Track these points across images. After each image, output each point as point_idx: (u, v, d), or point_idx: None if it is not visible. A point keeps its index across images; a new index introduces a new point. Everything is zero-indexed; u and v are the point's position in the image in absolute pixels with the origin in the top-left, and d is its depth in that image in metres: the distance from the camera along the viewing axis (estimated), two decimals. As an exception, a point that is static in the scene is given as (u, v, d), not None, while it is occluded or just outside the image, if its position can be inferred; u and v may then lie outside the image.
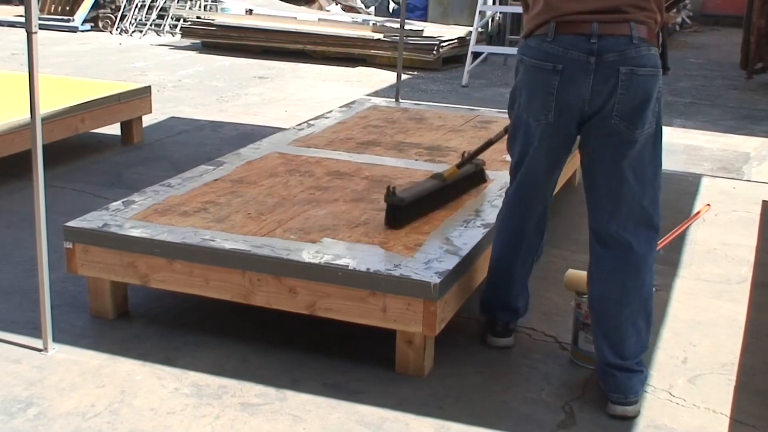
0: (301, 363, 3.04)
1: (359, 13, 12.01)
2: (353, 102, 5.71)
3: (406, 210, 3.34)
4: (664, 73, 2.72)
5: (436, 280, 2.85)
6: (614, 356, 2.78)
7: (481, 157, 3.77)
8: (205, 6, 11.56)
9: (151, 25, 11.32)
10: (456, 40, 9.54)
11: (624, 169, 2.70)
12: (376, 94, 7.66)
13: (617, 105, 2.64)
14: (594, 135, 2.73)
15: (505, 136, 3.08)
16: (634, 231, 2.74)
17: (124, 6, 11.41)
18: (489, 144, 3.66)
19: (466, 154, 3.73)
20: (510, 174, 3.02)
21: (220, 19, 10.26)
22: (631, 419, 2.77)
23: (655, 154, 2.75)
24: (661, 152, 2.77)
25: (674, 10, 10.38)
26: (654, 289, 2.80)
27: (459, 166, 3.66)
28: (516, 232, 3.05)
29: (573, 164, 4.38)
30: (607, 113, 2.66)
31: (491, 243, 3.20)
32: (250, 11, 10.62)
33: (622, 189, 2.72)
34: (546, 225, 3.11)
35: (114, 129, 5.86)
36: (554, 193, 3.08)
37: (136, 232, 3.19)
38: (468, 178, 3.73)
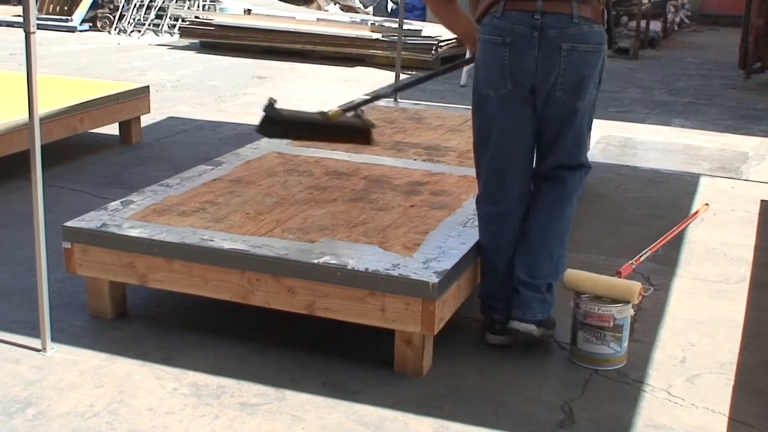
0: (299, 363, 3.03)
1: (358, 12, 12.01)
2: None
3: (278, 125, 3.40)
4: (610, 47, 2.95)
5: (435, 279, 2.85)
6: (525, 274, 3.06)
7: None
8: (204, 6, 11.55)
9: (149, 24, 11.32)
10: (454, 40, 9.53)
11: (565, 133, 3.03)
12: (375, 93, 7.66)
13: (561, 79, 2.91)
14: (541, 103, 2.98)
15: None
16: (571, 172, 3.11)
17: (123, 6, 11.41)
18: (377, 97, 3.81)
19: (355, 102, 3.74)
20: (473, 152, 3.17)
21: (218, 19, 10.25)
22: (524, 338, 3.05)
23: (592, 116, 3.11)
24: (594, 111, 3.11)
25: None
26: (653, 288, 2.82)
27: (345, 110, 3.62)
28: (497, 217, 3.14)
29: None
30: (551, 86, 2.93)
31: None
32: (248, 11, 10.61)
33: (562, 147, 3.05)
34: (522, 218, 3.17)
35: (112, 129, 5.86)
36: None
37: (134, 232, 3.19)
38: (353, 130, 3.65)
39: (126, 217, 3.33)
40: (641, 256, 3.48)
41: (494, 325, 3.17)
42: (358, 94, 7.30)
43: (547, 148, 3.07)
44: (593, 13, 2.91)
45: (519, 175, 3.11)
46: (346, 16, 11.18)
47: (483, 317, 3.22)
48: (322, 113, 3.53)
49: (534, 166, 3.14)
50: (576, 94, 2.94)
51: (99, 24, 11.48)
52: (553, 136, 3.04)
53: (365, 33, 9.49)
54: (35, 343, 3.09)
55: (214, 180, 3.81)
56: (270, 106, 3.35)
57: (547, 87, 2.92)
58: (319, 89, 8.07)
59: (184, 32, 10.44)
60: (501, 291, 3.15)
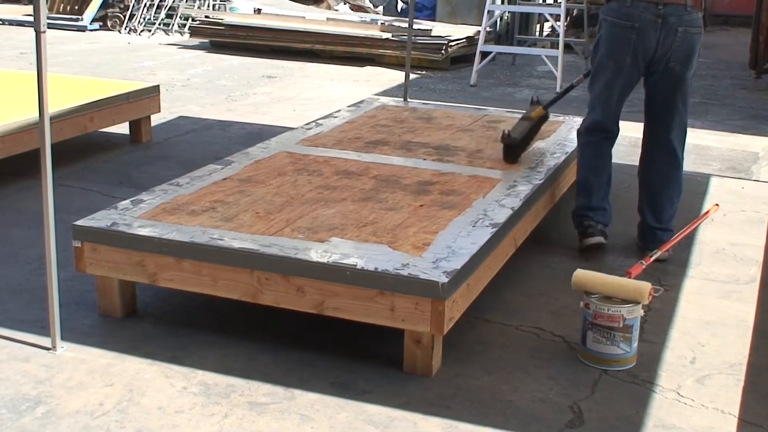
0: (308, 362, 3.04)
1: (367, 12, 12.01)
2: (361, 101, 5.71)
3: (519, 147, 4.23)
4: (704, 31, 3.89)
5: (444, 279, 2.85)
6: (654, 221, 4.08)
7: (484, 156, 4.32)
8: (214, 5, 11.57)
9: (159, 24, 11.34)
10: (464, 40, 9.53)
11: (676, 97, 3.96)
12: (385, 93, 7.66)
13: (674, 54, 3.85)
14: (657, 73, 3.92)
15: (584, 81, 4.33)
16: (679, 140, 4.05)
17: (133, 5, 11.44)
18: (570, 88, 4.61)
19: (536, 98, 4.71)
20: (588, 108, 4.12)
21: (228, 18, 10.27)
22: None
23: (691, 86, 3.99)
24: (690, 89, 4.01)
25: None
26: (663, 289, 2.84)
27: (545, 107, 4.52)
28: (598, 148, 4.10)
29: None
30: (667, 59, 3.86)
31: (495, 243, 3.29)
32: (258, 10, 10.63)
33: (674, 110, 3.98)
34: (612, 150, 4.17)
35: (123, 128, 5.87)
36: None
37: (144, 231, 3.19)
38: (542, 119, 4.51)
39: (136, 216, 3.34)
40: (651, 257, 3.48)
41: (587, 229, 4.04)
42: (367, 94, 7.30)
43: (661, 113, 3.99)
44: (696, 3, 3.85)
45: (614, 117, 4.08)
46: (356, 16, 11.19)
47: (577, 228, 4.10)
48: (528, 118, 4.41)
49: (650, 133, 4.10)
50: (684, 66, 3.88)
51: (109, 23, 11.51)
52: (665, 102, 3.96)
53: (375, 32, 9.49)
54: (45, 341, 3.10)
55: (224, 179, 3.81)
56: (508, 136, 4.18)
57: (663, 61, 3.86)
58: (328, 89, 8.07)
59: (194, 32, 10.46)
60: (594, 203, 4.08)
